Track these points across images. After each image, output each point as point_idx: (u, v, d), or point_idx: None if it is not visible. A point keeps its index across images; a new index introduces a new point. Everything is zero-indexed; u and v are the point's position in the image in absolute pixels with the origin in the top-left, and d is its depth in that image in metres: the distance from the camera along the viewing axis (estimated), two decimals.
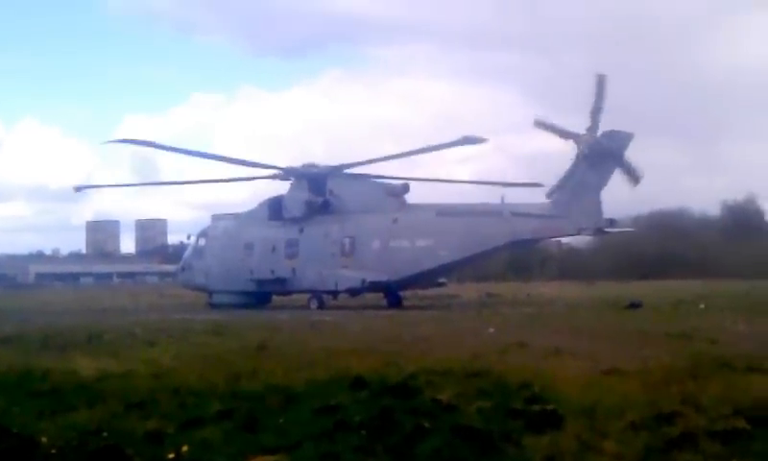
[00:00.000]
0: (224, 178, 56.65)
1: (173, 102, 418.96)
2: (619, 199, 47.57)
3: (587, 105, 42.44)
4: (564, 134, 43.75)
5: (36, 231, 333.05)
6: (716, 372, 13.89)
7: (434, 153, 51.76)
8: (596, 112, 42.26)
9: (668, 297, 43.17)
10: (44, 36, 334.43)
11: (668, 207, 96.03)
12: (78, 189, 64.19)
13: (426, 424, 10.54)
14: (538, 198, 46.31)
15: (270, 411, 11.93)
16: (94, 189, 70.21)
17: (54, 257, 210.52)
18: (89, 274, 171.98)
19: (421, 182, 53.54)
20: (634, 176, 43.15)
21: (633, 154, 44.09)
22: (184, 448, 9.99)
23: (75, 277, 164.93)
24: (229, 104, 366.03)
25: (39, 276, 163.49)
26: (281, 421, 11.33)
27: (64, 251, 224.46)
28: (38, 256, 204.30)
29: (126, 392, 13.66)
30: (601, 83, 42.07)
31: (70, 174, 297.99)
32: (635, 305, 37.03)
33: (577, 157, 43.24)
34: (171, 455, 9.80)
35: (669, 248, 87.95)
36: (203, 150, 54.67)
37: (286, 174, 50.95)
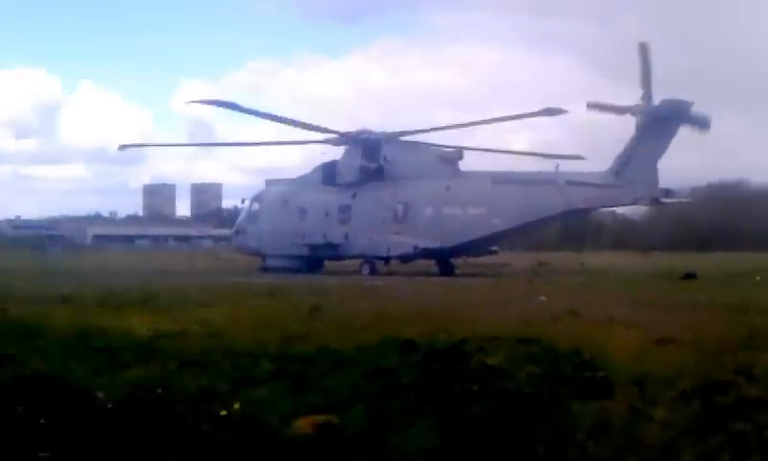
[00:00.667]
0: (279, 141, 56.86)
1: (229, 68, 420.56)
2: (677, 169, 47.08)
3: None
4: (619, 110, 43.37)
5: (94, 194, 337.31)
6: None
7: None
8: (646, 81, 41.74)
9: (724, 269, 42.56)
10: (103, 1, 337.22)
11: (727, 178, 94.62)
12: (121, 148, 65.33)
13: (475, 388, 10.58)
14: (595, 167, 45.97)
15: (320, 373, 12.04)
16: (150, 151, 71.06)
17: (111, 220, 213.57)
18: (145, 236, 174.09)
19: (477, 152, 53.32)
20: (703, 123, 42.44)
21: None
22: (236, 406, 10.15)
23: (131, 239, 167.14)
24: (285, 69, 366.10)
25: (97, 237, 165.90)
26: (332, 382, 11.44)
27: (122, 213, 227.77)
28: (96, 218, 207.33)
29: (179, 350, 13.88)
30: (644, 51, 41.51)
31: (128, 137, 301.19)
32: (689, 276, 36.60)
33: (637, 127, 42.82)
34: (223, 412, 9.96)
35: (726, 219, 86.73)
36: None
37: (341, 139, 51.03)
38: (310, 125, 51.29)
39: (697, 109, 42.79)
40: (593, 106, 44.44)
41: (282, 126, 52.92)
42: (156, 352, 13.77)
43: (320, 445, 8.72)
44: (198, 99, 59.82)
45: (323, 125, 50.94)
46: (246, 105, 55.41)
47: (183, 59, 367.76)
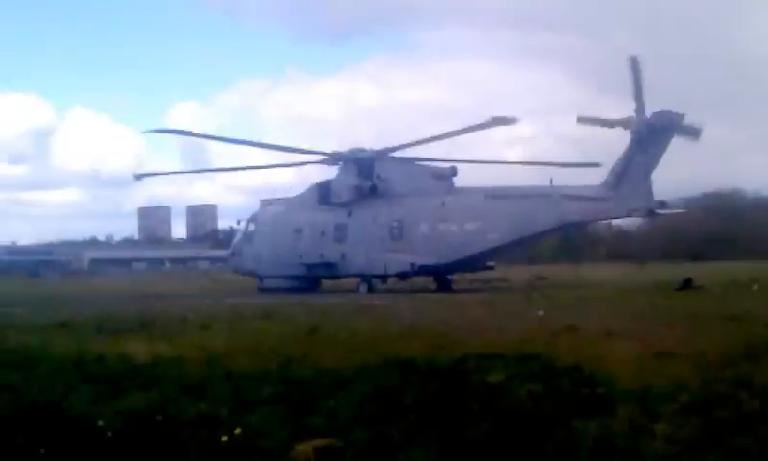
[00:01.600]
0: (272, 164, 57.07)
1: (220, 87, 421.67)
2: (671, 180, 47.20)
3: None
4: (609, 124, 43.61)
5: (89, 218, 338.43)
6: None
7: (479, 136, 51.73)
8: (638, 94, 41.93)
9: (720, 279, 42.56)
10: (93, 25, 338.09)
11: (721, 188, 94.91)
12: (138, 177, 64.88)
13: (476, 407, 10.56)
14: (589, 180, 46.05)
15: (321, 395, 12.02)
16: (150, 176, 70.64)
17: (107, 243, 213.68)
18: (142, 259, 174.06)
19: (471, 166, 53.44)
20: (694, 133, 42.51)
21: None
22: (237, 431, 10.11)
23: (128, 262, 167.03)
24: (276, 89, 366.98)
25: (93, 262, 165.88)
26: (332, 404, 11.41)
27: (117, 237, 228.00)
28: (92, 243, 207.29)
29: (179, 376, 13.86)
30: (635, 64, 41.69)
31: (121, 160, 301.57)
32: (687, 282, 36.63)
33: (630, 140, 42.97)
34: (224, 438, 9.92)
35: (721, 229, 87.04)
36: (250, 135, 55.44)
37: (333, 159, 51.13)
38: (293, 148, 51.58)
39: (688, 120, 42.95)
40: (584, 120, 44.66)
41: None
42: (155, 378, 13.74)
43: None
44: (155, 128, 60.52)
45: (310, 146, 51.30)
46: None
47: (175, 80, 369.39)
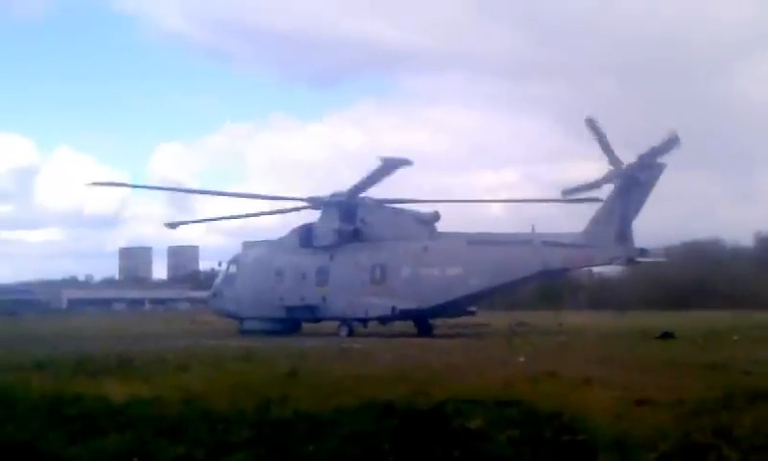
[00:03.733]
0: (253, 212, 57.18)
1: (206, 130, 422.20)
2: (652, 229, 47.39)
3: (622, 134, 42.49)
4: (592, 186, 43.99)
5: (69, 257, 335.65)
6: (750, 404, 13.69)
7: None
8: (607, 150, 42.28)
9: (701, 327, 42.65)
10: (79, 66, 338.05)
11: (701, 238, 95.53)
12: (172, 226, 63.72)
13: (456, 453, 10.50)
14: (571, 227, 46.22)
15: (299, 438, 11.93)
16: (182, 224, 68.51)
17: (87, 283, 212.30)
18: (122, 299, 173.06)
19: (453, 214, 53.53)
20: (671, 142, 42.56)
21: (666, 184, 43.96)
22: None
23: (107, 302, 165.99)
24: (262, 132, 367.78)
25: (72, 301, 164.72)
26: (310, 448, 11.32)
27: (97, 277, 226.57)
28: (72, 282, 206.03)
29: (156, 417, 13.73)
30: (593, 124, 42.15)
31: (103, 201, 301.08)
32: (667, 335, 36.68)
33: (612, 189, 43.29)
34: None
35: (702, 278, 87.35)
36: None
37: (314, 204, 51.19)
38: (272, 196, 51.71)
39: (668, 167, 43.09)
40: (568, 192, 45.31)
41: (256, 189, 53.27)
42: (131, 420, 13.60)
43: None
44: (98, 181, 60.13)
45: (291, 192, 51.46)
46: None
47: (160, 122, 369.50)
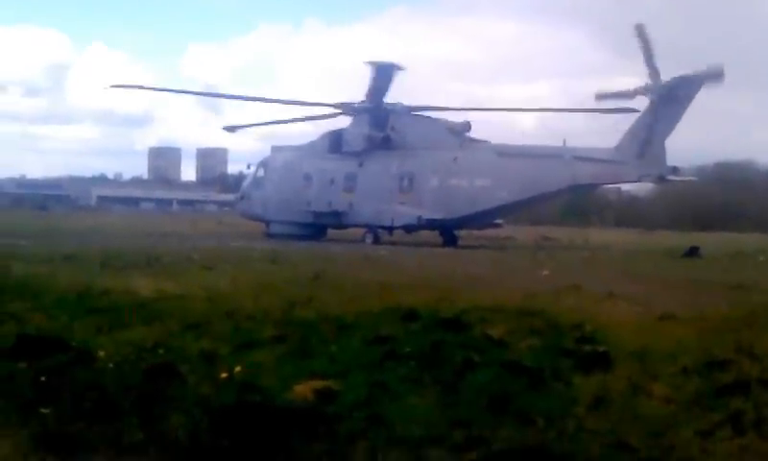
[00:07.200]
0: (285, 118, 57.05)
1: (238, 32, 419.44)
2: (684, 148, 46.80)
3: (664, 50, 41.65)
4: (628, 95, 43.20)
5: (100, 155, 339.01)
6: None
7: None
8: (649, 61, 41.49)
9: (728, 248, 42.51)
10: None
11: (733, 159, 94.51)
12: (230, 130, 63.35)
13: (476, 359, 10.57)
14: (603, 144, 45.77)
15: (322, 339, 12.05)
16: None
17: (116, 181, 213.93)
18: (150, 199, 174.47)
19: (485, 126, 53.22)
20: (715, 75, 41.98)
21: (702, 104, 43.28)
22: (237, 369, 10.15)
23: (136, 201, 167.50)
24: (294, 36, 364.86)
25: (101, 199, 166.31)
26: (333, 348, 11.44)
27: (127, 175, 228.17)
28: (101, 180, 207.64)
29: (182, 313, 13.90)
30: (641, 32, 41.24)
31: (134, 100, 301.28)
32: (693, 250, 36.61)
33: (647, 105, 42.67)
34: (224, 375, 9.96)
35: (732, 199, 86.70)
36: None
37: (345, 110, 50.93)
38: (304, 102, 51.44)
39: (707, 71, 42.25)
40: (602, 96, 44.39)
41: (286, 93, 53.03)
42: (157, 314, 13.78)
43: (318, 410, 8.72)
44: (121, 83, 59.99)
45: (324, 97, 51.28)
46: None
47: (193, 22, 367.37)
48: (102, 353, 10.80)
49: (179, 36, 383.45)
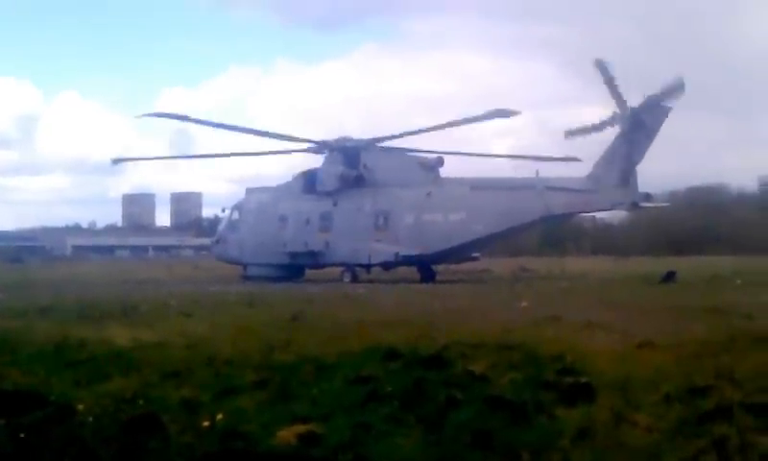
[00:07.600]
0: (258, 151, 57.04)
1: (209, 75, 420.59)
2: (656, 174, 47.22)
3: (630, 79, 42.09)
4: (598, 128, 43.51)
5: (73, 204, 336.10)
6: (752, 347, 13.75)
7: (470, 126, 51.53)
8: (614, 92, 41.99)
9: (703, 272, 42.77)
10: (84, 10, 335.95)
11: (705, 183, 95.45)
12: (115, 162, 64.61)
13: (459, 396, 10.55)
14: (575, 173, 46.08)
15: (303, 382, 12.00)
16: (131, 162, 70.15)
17: (90, 230, 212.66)
18: (125, 247, 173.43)
19: (457, 157, 53.47)
20: (677, 87, 42.32)
21: (670, 128, 43.71)
22: (219, 417, 10.07)
23: (111, 249, 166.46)
24: (265, 77, 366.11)
25: (76, 248, 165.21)
26: (314, 391, 11.39)
27: (101, 223, 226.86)
28: (75, 229, 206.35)
29: (161, 361, 13.80)
30: (602, 66, 41.81)
31: (108, 147, 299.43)
32: (669, 275, 36.81)
33: (617, 133, 43.05)
34: (206, 423, 9.88)
35: (705, 223, 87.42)
36: (238, 123, 55.05)
37: (320, 147, 51.05)
38: (280, 135, 51.48)
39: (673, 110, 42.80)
40: (572, 133, 44.73)
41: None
42: (136, 364, 13.67)
43: (302, 454, 8.67)
44: (151, 113, 60.57)
45: (297, 134, 51.22)
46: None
47: (164, 67, 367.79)
48: (81, 407, 10.68)
49: (149, 82, 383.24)
